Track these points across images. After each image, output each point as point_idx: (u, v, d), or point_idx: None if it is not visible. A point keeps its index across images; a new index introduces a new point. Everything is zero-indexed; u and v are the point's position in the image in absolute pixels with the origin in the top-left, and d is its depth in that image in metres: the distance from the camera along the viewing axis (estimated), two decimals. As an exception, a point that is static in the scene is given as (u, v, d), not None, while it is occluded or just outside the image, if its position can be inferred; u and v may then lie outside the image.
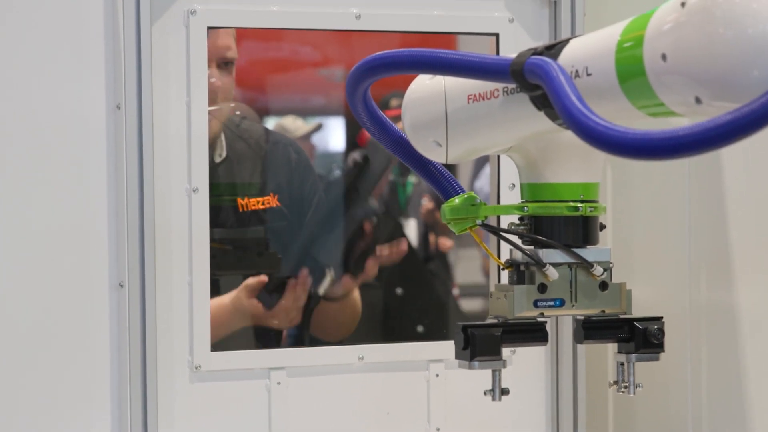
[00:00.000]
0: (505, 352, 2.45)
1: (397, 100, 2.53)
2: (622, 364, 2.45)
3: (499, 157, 3.15)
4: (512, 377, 2.54)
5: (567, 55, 2.05)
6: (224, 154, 3.61)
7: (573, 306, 2.37)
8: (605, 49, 1.96)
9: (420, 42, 3.19)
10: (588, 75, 1.98)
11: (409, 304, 4.80)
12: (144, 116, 3.00)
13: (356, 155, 5.14)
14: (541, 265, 2.35)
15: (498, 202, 3.19)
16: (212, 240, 3.17)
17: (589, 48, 2.01)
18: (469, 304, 6.35)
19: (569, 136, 2.02)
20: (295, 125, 6.07)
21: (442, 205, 2.35)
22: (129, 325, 3.03)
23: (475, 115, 2.34)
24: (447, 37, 3.25)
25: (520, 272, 2.37)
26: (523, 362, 3.28)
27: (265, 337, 3.71)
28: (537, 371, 3.36)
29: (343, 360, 3.27)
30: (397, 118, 2.51)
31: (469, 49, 3.11)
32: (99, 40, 3.01)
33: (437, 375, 3.29)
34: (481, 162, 3.32)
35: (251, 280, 3.53)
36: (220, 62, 3.57)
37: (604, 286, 2.37)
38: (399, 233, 4.91)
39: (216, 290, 3.15)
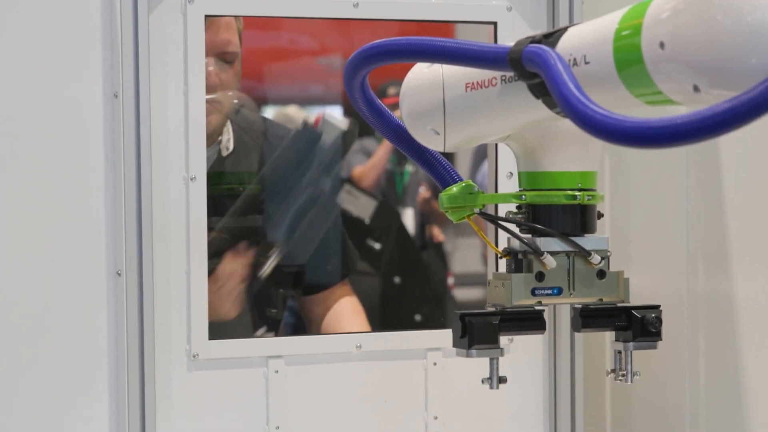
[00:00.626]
0: (503, 340, 2.46)
1: (394, 89, 2.53)
2: (620, 352, 2.46)
3: (497, 145, 3.16)
4: (510, 365, 2.54)
5: (565, 44, 2.04)
6: (231, 147, 3.63)
7: (570, 294, 2.37)
8: (603, 37, 1.96)
9: (418, 30, 3.19)
10: (586, 63, 1.98)
11: (406, 293, 4.81)
12: (141, 105, 3.00)
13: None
14: (538, 253, 2.35)
15: (496, 191, 3.19)
16: (210, 229, 3.17)
17: (587, 36, 2.01)
18: (467, 293, 6.36)
19: (567, 124, 2.02)
20: (296, 114, 6.07)
21: (440, 194, 2.35)
22: (127, 314, 3.03)
23: (473, 104, 2.34)
24: (445, 26, 3.25)
25: (517, 261, 2.38)
26: (521, 351, 3.29)
27: (263, 319, 3.74)
28: (535, 360, 3.37)
29: (340, 348, 3.28)
30: (395, 107, 2.51)
31: (467, 38, 3.10)
32: (96, 29, 3.01)
33: (435, 363, 3.29)
34: (481, 153, 3.31)
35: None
36: (221, 56, 3.58)
37: (601, 274, 2.37)
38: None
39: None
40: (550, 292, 2.36)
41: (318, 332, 3.76)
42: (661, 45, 1.83)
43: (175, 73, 3.06)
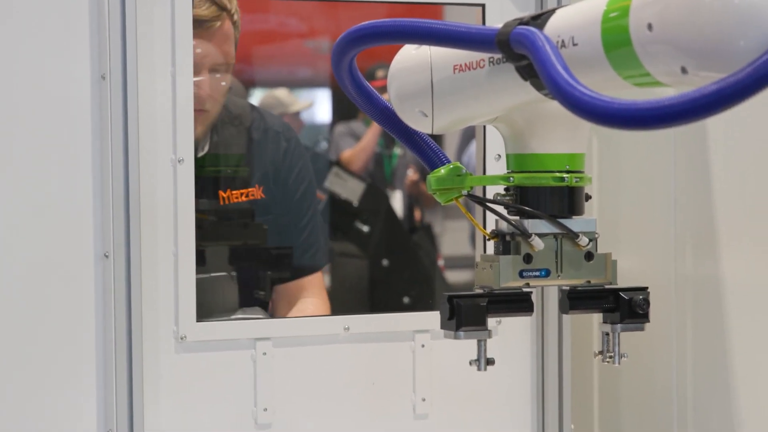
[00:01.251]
0: (491, 322, 2.46)
1: (382, 71, 2.54)
2: (608, 334, 2.46)
3: (485, 127, 3.16)
4: (497, 347, 2.55)
5: (553, 25, 2.05)
6: (207, 149, 3.64)
7: (558, 276, 2.38)
8: (591, 19, 1.96)
9: (406, 12, 3.19)
10: (574, 45, 1.98)
11: (394, 276, 4.83)
12: (129, 87, 3.00)
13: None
14: (526, 235, 2.35)
15: (484, 173, 3.19)
16: (198, 211, 3.17)
17: (575, 18, 2.01)
18: (455, 275, 6.37)
19: (555, 106, 2.01)
20: (289, 99, 6.08)
21: (428, 176, 2.35)
22: (114, 296, 3.04)
23: (461, 86, 2.34)
24: (433, 8, 3.26)
25: (505, 243, 2.38)
26: (509, 332, 3.29)
27: (251, 300, 3.74)
28: (522, 341, 3.38)
29: (329, 330, 3.29)
30: (383, 89, 2.52)
31: (456, 20, 3.12)
32: (83, 10, 3.01)
33: (423, 345, 3.30)
34: (469, 135, 3.32)
35: None
36: (217, 67, 3.59)
37: (589, 256, 2.38)
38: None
39: (201, 261, 3.14)
40: (537, 274, 2.36)
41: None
42: (649, 27, 1.83)
43: (162, 55, 3.06)
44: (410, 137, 2.46)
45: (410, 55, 2.45)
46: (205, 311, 3.14)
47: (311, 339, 3.26)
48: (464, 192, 2.37)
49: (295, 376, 3.22)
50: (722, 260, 3.22)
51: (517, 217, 2.37)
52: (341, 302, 4.06)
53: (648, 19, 1.84)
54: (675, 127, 1.73)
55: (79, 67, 3.03)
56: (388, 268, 4.99)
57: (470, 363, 2.52)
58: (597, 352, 2.50)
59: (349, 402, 3.28)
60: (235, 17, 3.65)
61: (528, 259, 2.36)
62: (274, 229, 3.81)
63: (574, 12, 2.03)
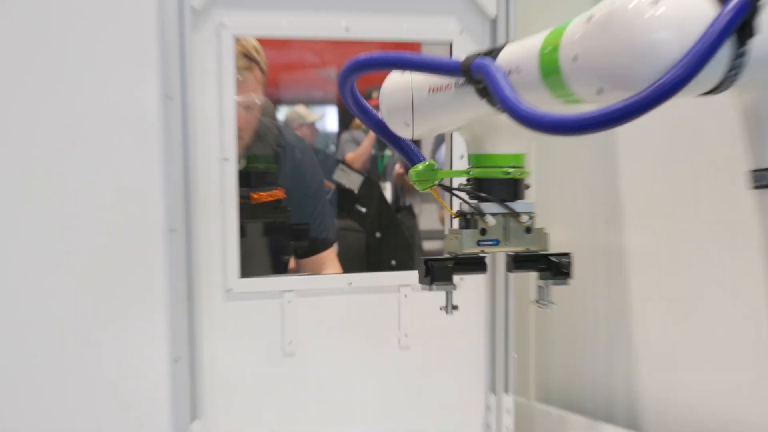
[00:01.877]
0: (456, 279, 2.45)
1: (376, 93, 2.54)
2: (541, 287, 2.47)
3: (452, 134, 3.17)
4: (460, 297, 2.55)
5: (503, 58, 2.04)
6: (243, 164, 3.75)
7: (506, 245, 2.38)
8: (531, 53, 1.95)
9: (394, 47, 3.18)
10: (518, 72, 1.98)
11: (385, 244, 4.86)
12: (187, 104, 3.01)
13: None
14: (482, 214, 2.35)
15: (451, 168, 3.21)
16: (240, 196, 3.18)
17: (520, 52, 2.00)
18: (430, 245, 6.40)
19: (504, 118, 2.01)
20: (306, 113, 6.15)
21: (410, 170, 2.35)
22: (179, 259, 3.04)
23: (434, 103, 2.34)
24: (414, 44, 3.25)
25: (466, 220, 2.38)
26: (469, 286, 3.29)
27: (279, 267, 3.77)
28: (479, 293, 3.40)
29: (337, 285, 3.30)
30: (377, 106, 2.52)
31: (430, 53, 3.11)
32: (154, 48, 3.00)
33: (405, 296, 3.30)
34: (440, 139, 3.35)
35: None
36: (247, 106, 3.68)
37: (528, 230, 2.38)
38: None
39: (243, 233, 3.18)
40: (490, 243, 2.36)
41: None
42: (574, 59, 1.82)
43: (211, 81, 3.07)
44: (396, 141, 2.46)
45: (396, 80, 2.45)
46: (246, 270, 3.14)
47: (324, 291, 3.28)
48: (436, 182, 2.36)
49: (311, 318, 3.23)
50: (624, 233, 3.26)
51: (475, 201, 2.36)
52: (346, 264, 4.09)
53: (573, 54, 1.82)
54: (592, 133, 1.72)
55: (151, 91, 3.00)
56: (380, 239, 5.01)
57: (440, 308, 2.53)
58: (533, 300, 2.50)
59: (351, 336, 3.29)
60: (263, 66, 3.70)
61: (483, 232, 2.35)
62: (295, 213, 3.85)
63: (519, 47, 2.02)
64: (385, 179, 7.89)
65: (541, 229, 2.40)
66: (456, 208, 2.40)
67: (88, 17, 2.96)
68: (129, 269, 3.03)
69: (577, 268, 2.49)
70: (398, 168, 6.83)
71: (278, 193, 3.78)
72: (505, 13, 3.28)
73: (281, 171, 3.88)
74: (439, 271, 2.42)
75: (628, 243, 3.25)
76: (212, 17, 3.05)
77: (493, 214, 2.36)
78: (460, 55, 2.34)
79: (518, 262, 2.46)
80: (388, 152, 6.94)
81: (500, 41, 3.19)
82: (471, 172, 2.39)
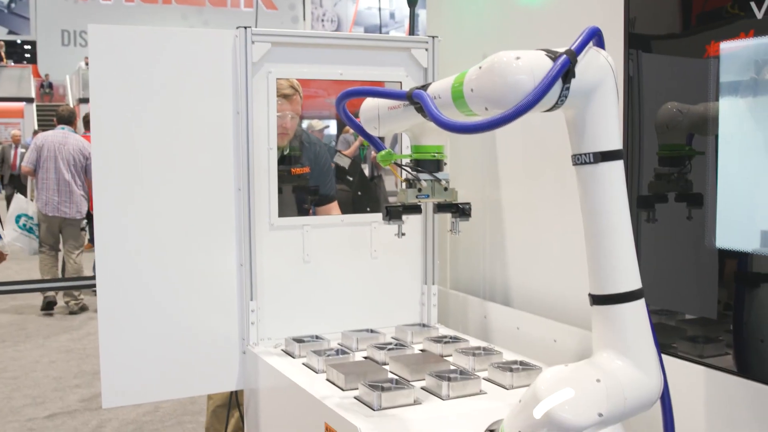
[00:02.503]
0: (404, 218, 2.47)
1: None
2: (453, 222, 2.48)
3: (402, 134, 3.15)
4: (407, 228, 2.55)
5: (431, 90, 2.04)
6: (287, 151, 3.81)
7: (433, 198, 2.38)
8: (447, 87, 1.97)
9: (368, 83, 3.19)
10: (440, 98, 1.99)
11: (363, 198, 4.84)
12: (249, 117, 3.00)
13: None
14: (419, 180, 2.37)
15: (401, 153, 3.19)
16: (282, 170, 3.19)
17: (440, 87, 2.01)
18: (391, 198, 6.38)
19: (431, 124, 2.04)
20: (318, 124, 6.16)
21: (377, 154, 2.36)
22: (243, 206, 3.04)
23: (391, 116, 2.36)
24: (380, 82, 3.24)
25: (410, 183, 2.39)
26: (411, 222, 3.29)
27: (302, 212, 3.76)
28: (417, 225, 3.37)
29: (335, 222, 3.29)
30: (357, 115, 2.51)
31: (389, 87, 3.13)
32: (230, 84, 3.01)
33: (375, 228, 3.30)
34: (396, 137, 3.37)
35: None
36: (291, 113, 3.72)
37: (446, 189, 2.39)
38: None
39: (279, 191, 3.14)
40: (424, 196, 2.37)
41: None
42: (471, 90, 1.85)
43: (262, 103, 3.05)
44: (369, 137, 2.46)
45: (369, 103, 2.46)
46: (281, 212, 3.13)
47: (328, 224, 3.26)
48: (393, 161, 2.37)
49: (320, 242, 3.21)
50: (501, 191, 3.23)
51: (415, 173, 2.38)
52: (341, 209, 4.09)
53: (470, 87, 1.85)
54: (483, 132, 1.75)
55: (228, 109, 3.02)
56: (361, 196, 5.00)
57: (395, 234, 2.55)
58: (449, 230, 2.51)
59: (343, 251, 3.27)
60: (301, 93, 3.73)
61: (419, 190, 2.37)
62: (313, 181, 3.84)
63: (440, 84, 2.03)
64: (365, 161, 7.92)
65: (453, 188, 2.41)
66: (404, 176, 2.42)
67: (196, 69, 2.99)
68: (215, 211, 3.05)
69: (474, 211, 2.51)
70: (372, 153, 6.89)
71: (306, 169, 3.79)
72: (432, 64, 3.28)
73: (305, 156, 3.89)
74: (393, 213, 2.44)
75: (502, 197, 3.22)
76: (264, 67, 3.04)
77: (425, 180, 2.38)
78: (406, 88, 2.37)
79: (440, 208, 2.47)
80: (366, 144, 6.97)
81: (429, 81, 3.19)
82: (413, 156, 2.41)
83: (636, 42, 2.40)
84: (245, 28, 2.99)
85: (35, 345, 7.70)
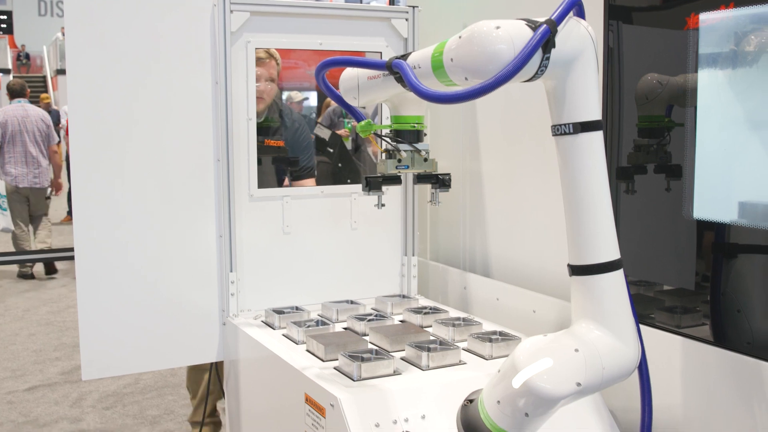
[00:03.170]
0: (384, 188, 2.46)
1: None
2: (433, 193, 2.47)
3: (381, 104, 3.14)
4: (387, 198, 2.57)
5: (411, 59, 2.02)
6: (263, 118, 3.72)
7: (412, 168, 2.37)
8: (426, 57, 1.95)
9: (348, 54, 3.17)
10: (419, 68, 1.97)
11: (344, 170, 4.81)
12: (228, 86, 2.97)
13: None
14: (399, 150, 2.35)
15: (381, 123, 3.18)
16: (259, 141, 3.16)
17: (420, 57, 1.99)
18: (372, 171, 6.37)
19: (411, 94, 2.03)
20: (297, 95, 6.11)
21: (357, 124, 2.34)
22: (222, 176, 3.01)
23: (371, 86, 2.33)
24: (360, 52, 3.21)
25: (390, 154, 2.37)
26: (391, 193, 3.29)
27: (281, 183, 3.74)
28: (397, 196, 3.37)
29: (315, 193, 3.27)
30: (337, 86, 2.49)
31: (369, 57, 3.11)
32: (209, 54, 2.97)
33: (355, 198, 3.29)
34: (377, 107, 3.36)
35: None
36: (269, 78, 3.64)
37: (426, 159, 2.37)
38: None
39: (259, 162, 3.12)
40: (404, 167, 2.35)
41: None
42: (451, 60, 1.83)
43: (241, 73, 3.02)
44: (349, 108, 2.43)
45: (349, 72, 2.43)
46: (261, 183, 3.11)
47: (307, 196, 3.23)
48: (373, 132, 2.36)
49: (300, 212, 3.20)
50: (481, 162, 3.23)
51: (395, 143, 2.36)
52: (321, 180, 4.06)
53: (450, 57, 1.84)
54: (463, 102, 1.74)
55: (206, 79, 2.98)
56: (341, 167, 4.97)
57: (374, 205, 2.54)
58: (428, 201, 2.51)
59: (323, 222, 3.26)
60: (278, 60, 3.67)
61: (399, 161, 2.35)
62: (291, 152, 3.81)
63: (420, 54, 2.01)
64: (346, 133, 7.88)
65: (433, 159, 2.39)
66: (384, 146, 2.41)
67: (173, 39, 2.95)
68: (194, 183, 3.03)
69: (454, 182, 2.52)
70: (353, 124, 6.84)
71: (280, 143, 3.76)
72: (413, 35, 3.26)
73: (282, 129, 3.86)
74: (373, 183, 2.43)
75: (482, 168, 3.22)
76: (243, 36, 3.01)
77: (405, 150, 2.36)
78: (386, 58, 2.35)
79: (420, 178, 2.46)
80: (348, 116, 6.93)
81: (409, 50, 3.17)
82: (393, 126, 2.39)
83: (616, 13, 2.39)
84: (224, -4, 2.97)
85: (14, 318, 7.65)
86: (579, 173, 1.84)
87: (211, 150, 3.02)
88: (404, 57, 2.07)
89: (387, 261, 3.39)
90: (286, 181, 3.84)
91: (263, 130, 3.72)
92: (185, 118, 2.99)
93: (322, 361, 2.49)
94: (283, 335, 2.80)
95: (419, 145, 2.37)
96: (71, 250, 3.02)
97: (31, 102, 9.43)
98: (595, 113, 1.83)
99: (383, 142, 2.39)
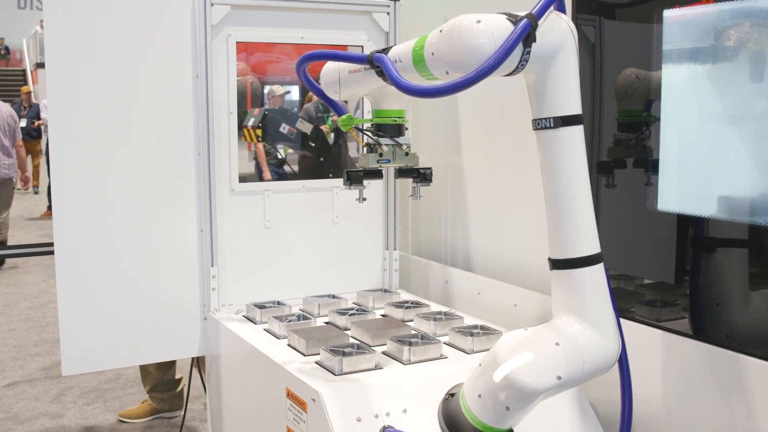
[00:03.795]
0: (365, 183, 2.46)
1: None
2: (414, 187, 2.48)
3: (363, 98, 3.14)
4: (368, 193, 2.56)
5: (392, 53, 2.02)
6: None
7: (394, 162, 2.37)
8: (408, 50, 1.95)
9: (329, 47, 3.16)
10: (400, 62, 1.97)
11: (326, 164, 4.79)
12: (209, 80, 2.95)
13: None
14: (380, 144, 2.35)
15: (363, 117, 3.18)
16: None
17: (401, 50, 1.99)
18: (351, 165, 6.35)
19: (392, 88, 2.03)
20: (279, 89, 6.09)
21: (338, 119, 2.34)
22: (203, 171, 3.00)
23: (352, 79, 2.33)
24: (342, 46, 3.20)
25: (371, 148, 2.37)
26: (373, 187, 3.29)
27: (261, 177, 3.72)
28: (378, 190, 3.37)
29: (297, 186, 3.25)
30: (317, 80, 2.49)
31: (351, 51, 3.10)
32: (189, 47, 2.96)
33: (336, 193, 3.29)
34: (357, 101, 3.34)
35: None
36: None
37: (407, 154, 2.37)
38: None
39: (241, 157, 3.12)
40: (385, 161, 2.36)
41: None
42: (432, 54, 1.83)
43: (222, 67, 3.00)
44: (330, 102, 2.44)
45: (330, 66, 2.42)
46: (242, 179, 3.10)
47: (289, 190, 3.22)
48: (354, 126, 2.35)
49: (281, 207, 3.19)
50: (462, 156, 3.23)
51: (376, 137, 2.36)
52: (302, 175, 4.03)
53: (431, 51, 1.84)
54: (444, 96, 1.74)
55: (186, 72, 2.97)
56: (323, 161, 4.95)
57: (356, 200, 2.54)
58: (410, 195, 2.51)
59: (304, 217, 3.26)
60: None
61: (380, 155, 2.35)
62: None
63: (401, 47, 2.01)
64: (328, 127, 7.87)
65: (414, 153, 2.40)
66: (366, 140, 2.40)
67: (154, 32, 2.93)
68: (175, 177, 3.01)
69: (435, 176, 2.52)
70: (334, 118, 6.85)
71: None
72: (394, 28, 3.26)
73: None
74: (355, 178, 2.43)
75: (463, 162, 3.22)
76: (223, 30, 2.99)
77: (386, 145, 2.36)
78: (367, 51, 2.35)
79: (401, 173, 2.46)
80: (329, 111, 6.91)
81: (390, 44, 3.16)
82: (374, 120, 2.39)
83: (586, 7, 2.41)
84: (204, -10, 2.95)
85: (-6, 313, 7.59)
86: (559, 167, 1.85)
87: (191, 144, 3.00)
88: (385, 51, 2.07)
89: (368, 255, 3.39)
90: (267, 175, 3.83)
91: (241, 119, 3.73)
92: (166, 112, 2.97)
93: (304, 355, 2.49)
94: (265, 330, 2.79)
95: (400, 140, 2.36)
96: (51, 245, 2.98)
97: (11, 95, 9.41)
98: (575, 107, 1.83)
99: (364, 136, 2.39)
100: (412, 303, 3.02)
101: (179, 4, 2.94)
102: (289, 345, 2.60)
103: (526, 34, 1.72)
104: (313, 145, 5.82)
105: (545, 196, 1.90)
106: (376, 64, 2.04)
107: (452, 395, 1.98)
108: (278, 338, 2.69)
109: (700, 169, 2.14)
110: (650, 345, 2.24)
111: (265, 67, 4.05)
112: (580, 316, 1.86)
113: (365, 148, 2.39)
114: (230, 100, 3.02)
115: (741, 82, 1.99)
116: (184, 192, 3.01)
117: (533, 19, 1.73)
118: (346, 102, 2.49)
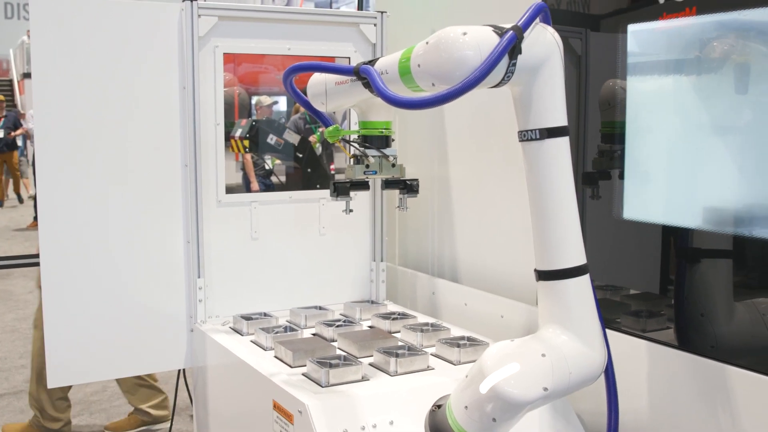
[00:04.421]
0: (351, 194, 2.45)
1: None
2: (401, 198, 2.47)
3: (350, 110, 3.14)
4: (354, 204, 2.56)
5: (378, 65, 2.02)
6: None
7: (380, 174, 2.37)
8: (394, 63, 1.95)
9: (316, 59, 3.16)
10: (387, 73, 1.97)
11: (313, 175, 4.80)
12: (195, 92, 2.95)
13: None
14: (367, 156, 2.35)
15: (350, 129, 3.17)
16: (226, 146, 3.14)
17: (388, 62, 1.99)
18: (339, 176, 6.35)
19: (378, 100, 2.02)
20: (266, 100, 6.09)
21: (325, 130, 2.34)
22: (190, 182, 2.99)
23: (339, 91, 2.33)
24: (329, 58, 3.20)
25: (358, 159, 2.37)
26: (359, 198, 3.29)
27: (249, 188, 3.72)
28: (366, 202, 3.37)
29: (284, 198, 3.25)
30: (304, 91, 2.49)
31: (338, 63, 3.10)
32: (176, 59, 2.95)
33: (323, 204, 3.28)
34: (344, 113, 3.34)
35: None
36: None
37: (393, 165, 2.38)
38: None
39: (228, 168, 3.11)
40: (372, 172, 2.36)
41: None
42: (419, 65, 1.83)
43: (209, 78, 3.00)
44: (317, 113, 2.44)
45: (317, 78, 2.42)
46: (229, 190, 3.09)
47: (275, 202, 3.22)
48: (341, 138, 2.35)
49: (268, 218, 3.18)
50: (449, 167, 3.23)
51: (363, 148, 2.36)
52: (288, 186, 4.04)
53: (418, 63, 1.84)
54: (430, 108, 1.74)
55: (173, 83, 2.96)
56: (310, 173, 4.96)
57: (342, 211, 2.53)
58: (397, 206, 2.50)
59: (291, 228, 3.25)
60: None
61: (367, 166, 2.35)
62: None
63: (387, 59, 2.01)
64: (314, 138, 7.87)
65: (401, 165, 2.40)
66: (352, 152, 2.40)
67: (140, 43, 2.93)
68: (161, 188, 3.00)
69: (422, 188, 2.51)
70: (322, 129, 6.84)
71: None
72: (381, 40, 3.27)
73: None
74: (341, 189, 2.43)
75: (450, 173, 3.22)
76: (210, 41, 2.99)
77: (373, 156, 2.36)
78: (354, 63, 2.35)
79: (388, 184, 2.46)
80: (316, 122, 6.90)
81: (378, 56, 3.17)
82: (361, 131, 2.39)
83: (559, 18, 2.43)
84: (191, 0, 2.93)
85: (-21, 324, 7.54)
86: (545, 179, 1.85)
87: (178, 155, 3.00)
88: (372, 62, 2.07)
89: (355, 266, 3.38)
90: (255, 186, 3.83)
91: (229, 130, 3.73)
92: (153, 123, 2.96)
93: (291, 367, 2.48)
94: (251, 341, 2.78)
95: (387, 151, 2.37)
96: (37, 256, 2.97)
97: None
98: (561, 119, 1.84)
99: (351, 147, 2.38)
100: (399, 314, 3.02)
101: (166, 16, 2.94)
102: (275, 357, 2.59)
103: (512, 46, 1.72)
104: (301, 156, 5.84)
105: (531, 207, 1.90)
106: (362, 75, 2.04)
107: (439, 407, 1.97)
108: (265, 350, 2.68)
109: (650, 177, 2.24)
110: (636, 356, 2.25)
111: (252, 77, 4.05)
112: (566, 327, 1.86)
113: (352, 160, 2.39)
114: (217, 111, 3.02)
115: (701, 93, 2.06)
116: (170, 203, 3.00)
117: (519, 31, 1.74)
118: (334, 113, 2.49)
